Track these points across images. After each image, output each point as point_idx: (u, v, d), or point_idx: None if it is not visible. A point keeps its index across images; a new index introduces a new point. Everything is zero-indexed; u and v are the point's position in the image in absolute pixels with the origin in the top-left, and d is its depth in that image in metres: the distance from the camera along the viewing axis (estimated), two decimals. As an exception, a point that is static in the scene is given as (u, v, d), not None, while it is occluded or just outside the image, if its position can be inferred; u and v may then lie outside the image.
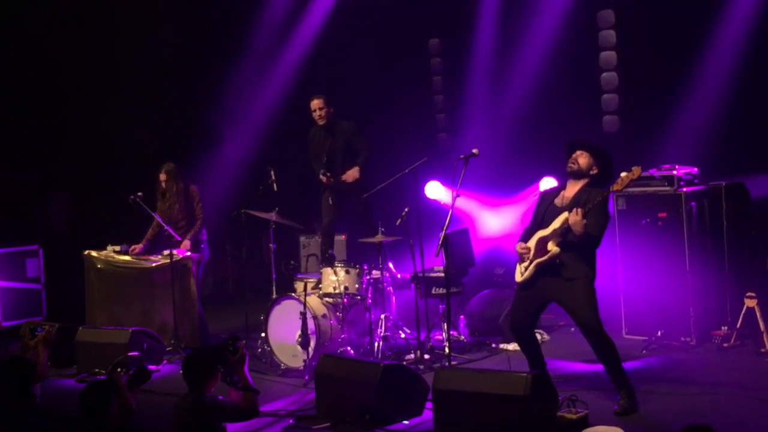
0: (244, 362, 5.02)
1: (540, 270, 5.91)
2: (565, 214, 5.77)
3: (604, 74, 9.55)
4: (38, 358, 5.76)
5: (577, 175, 5.94)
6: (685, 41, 9.11)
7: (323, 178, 8.30)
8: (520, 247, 6.03)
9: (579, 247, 5.79)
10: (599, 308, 5.86)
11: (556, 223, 5.83)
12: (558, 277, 5.85)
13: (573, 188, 5.96)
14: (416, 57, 11.34)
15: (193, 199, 8.58)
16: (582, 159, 5.92)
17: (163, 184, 8.50)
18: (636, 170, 5.67)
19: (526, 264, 6.00)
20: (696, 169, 7.72)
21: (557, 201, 5.99)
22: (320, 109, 8.27)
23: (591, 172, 5.93)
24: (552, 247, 5.82)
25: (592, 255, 5.89)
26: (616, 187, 5.72)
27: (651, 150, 8.91)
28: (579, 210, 5.66)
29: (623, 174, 5.69)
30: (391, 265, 7.89)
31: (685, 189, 7.48)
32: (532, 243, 5.98)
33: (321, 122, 8.32)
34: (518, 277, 6.08)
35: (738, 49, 8.61)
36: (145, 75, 10.97)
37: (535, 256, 5.92)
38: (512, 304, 6.32)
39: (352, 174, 8.20)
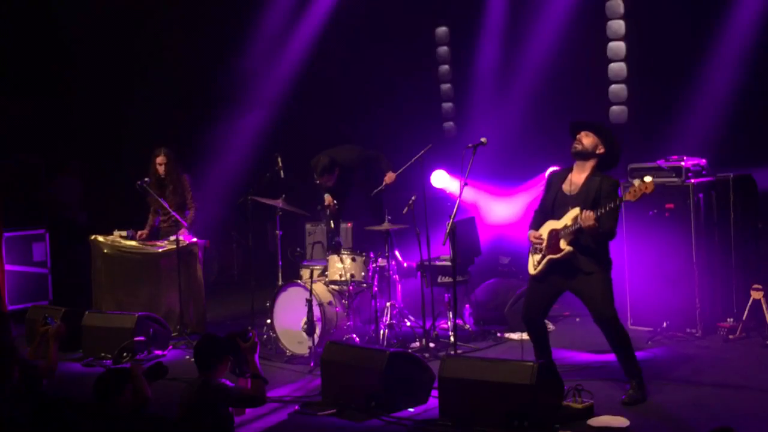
0: (255, 350, 5.05)
1: (553, 264, 5.88)
2: (576, 211, 5.71)
3: (613, 64, 9.53)
4: (49, 354, 5.77)
5: (583, 155, 5.85)
6: (694, 32, 9.08)
7: (329, 202, 8.40)
8: (533, 236, 5.96)
9: (592, 241, 5.75)
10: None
11: (567, 219, 5.78)
12: (573, 269, 5.81)
13: (581, 173, 5.88)
14: (423, 46, 11.32)
15: (185, 189, 8.54)
16: (586, 139, 5.84)
17: (163, 168, 8.46)
18: (650, 183, 5.53)
19: (538, 258, 5.94)
20: (704, 160, 7.69)
21: (565, 187, 5.92)
22: (327, 179, 8.27)
23: (597, 152, 5.85)
24: (565, 246, 5.77)
25: (605, 245, 5.86)
26: (628, 197, 5.59)
27: (659, 141, 8.89)
28: (590, 214, 5.60)
29: (637, 183, 5.57)
30: (397, 253, 7.89)
31: (692, 180, 7.46)
32: (544, 232, 5.92)
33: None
34: (531, 270, 6.01)
35: (747, 40, 8.58)
36: (153, 61, 10.96)
37: (548, 251, 5.86)
38: (526, 295, 6.26)
39: (390, 177, 8.20)
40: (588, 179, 5.82)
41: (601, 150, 5.85)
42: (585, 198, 5.75)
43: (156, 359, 7.44)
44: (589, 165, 5.86)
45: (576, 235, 5.72)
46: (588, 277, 5.78)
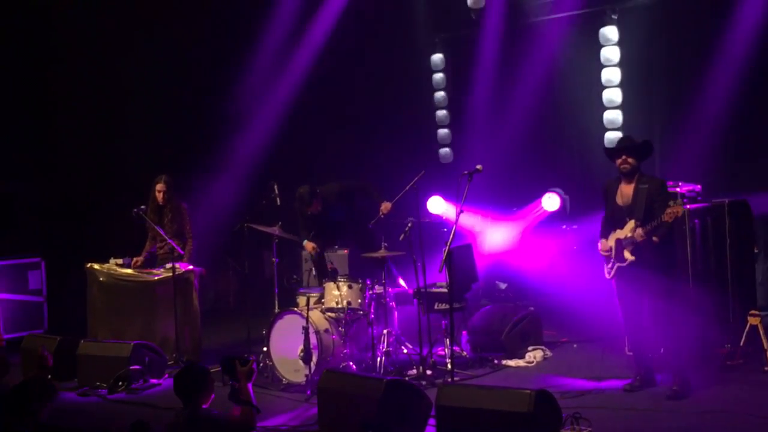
0: (251, 377, 4.99)
1: (622, 271, 6.52)
2: (632, 223, 6.38)
3: (607, 91, 9.59)
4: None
5: (632, 173, 6.51)
6: (688, 58, 9.15)
7: (310, 250, 8.38)
8: (602, 249, 6.67)
9: (653, 248, 6.36)
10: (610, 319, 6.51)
11: (627, 231, 6.44)
12: (638, 274, 6.44)
13: (629, 183, 6.53)
14: (419, 73, 11.38)
15: (184, 217, 8.53)
16: (631, 158, 6.49)
17: (162, 195, 8.47)
18: (680, 207, 6.20)
19: (610, 265, 6.63)
20: (699, 186, 7.71)
21: (618, 199, 6.55)
22: (314, 205, 8.13)
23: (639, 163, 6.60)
24: (628, 256, 6.46)
25: (666, 252, 6.46)
26: (666, 218, 6.20)
27: (654, 166, 8.92)
28: (640, 231, 6.30)
29: (671, 207, 6.15)
30: (401, 281, 7.88)
31: (688, 206, 7.46)
32: (612, 242, 6.56)
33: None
34: (606, 275, 6.70)
35: (742, 66, 8.64)
36: (146, 88, 10.99)
37: (615, 259, 6.54)
38: (617, 298, 6.74)
39: (387, 208, 8.07)
40: (637, 189, 6.46)
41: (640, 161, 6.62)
42: (638, 207, 6.40)
43: (151, 388, 7.42)
44: (635, 174, 6.52)
45: (635, 244, 6.38)
46: (647, 283, 6.42)
